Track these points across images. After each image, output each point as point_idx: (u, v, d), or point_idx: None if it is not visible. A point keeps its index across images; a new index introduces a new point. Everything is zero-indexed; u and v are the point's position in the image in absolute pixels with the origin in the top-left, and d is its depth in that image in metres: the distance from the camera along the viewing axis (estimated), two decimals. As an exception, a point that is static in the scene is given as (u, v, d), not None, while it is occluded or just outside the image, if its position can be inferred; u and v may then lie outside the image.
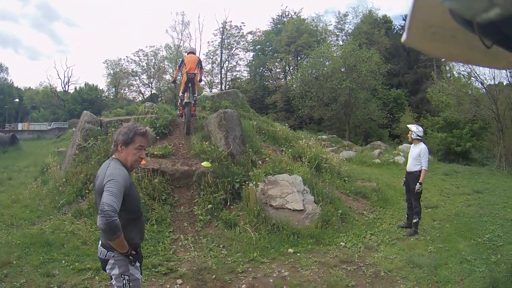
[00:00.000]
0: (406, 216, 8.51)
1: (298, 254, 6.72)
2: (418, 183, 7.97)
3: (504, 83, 25.09)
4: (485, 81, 24.72)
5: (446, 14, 0.80)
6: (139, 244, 3.47)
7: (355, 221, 8.59)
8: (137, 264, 3.35)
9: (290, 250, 6.83)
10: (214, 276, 5.76)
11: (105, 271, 3.32)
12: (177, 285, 5.53)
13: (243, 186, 8.35)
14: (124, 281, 3.21)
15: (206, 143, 9.49)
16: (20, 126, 54.74)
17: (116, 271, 3.21)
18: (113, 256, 3.20)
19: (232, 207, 8.16)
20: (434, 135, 27.67)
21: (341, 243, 7.36)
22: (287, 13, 56.68)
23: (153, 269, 5.85)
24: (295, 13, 55.94)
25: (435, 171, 16.21)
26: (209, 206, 7.95)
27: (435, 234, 7.99)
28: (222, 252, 6.71)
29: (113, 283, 3.28)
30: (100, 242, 3.36)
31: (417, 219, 8.08)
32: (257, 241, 6.98)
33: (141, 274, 3.49)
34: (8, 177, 14.97)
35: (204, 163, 8.69)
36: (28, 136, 41.30)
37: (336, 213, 8.36)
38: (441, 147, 27.56)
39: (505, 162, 22.15)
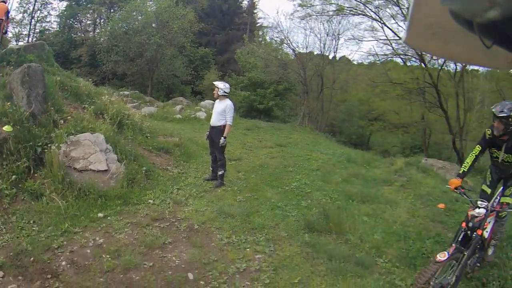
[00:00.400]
0: (211, 169, 9.13)
1: (109, 218, 6.66)
2: (222, 137, 8.55)
3: (315, 53, 28.04)
4: (297, 49, 27.66)
5: (446, 14, 0.81)
6: None
7: (160, 177, 8.84)
8: None
9: (100, 215, 6.72)
10: (32, 258, 5.34)
11: None
12: (0, 278, 4.94)
13: (46, 150, 7.81)
14: None
15: (8, 103, 8.49)
16: None
17: None
18: None
19: (36, 175, 7.54)
20: (237, 93, 29.01)
21: (150, 200, 7.51)
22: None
23: None
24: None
25: (237, 126, 17.02)
26: (13, 177, 7.19)
27: (242, 185, 8.75)
28: (34, 228, 6.23)
29: None
30: None
31: (223, 171, 8.74)
32: (66, 210, 6.68)
33: None
34: None
35: (6, 127, 7.84)
36: None
37: (140, 171, 8.46)
38: (244, 104, 29.13)
39: (307, 120, 25.27)
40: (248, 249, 5.72)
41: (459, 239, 4.70)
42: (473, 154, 5.36)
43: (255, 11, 49.17)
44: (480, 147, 5.38)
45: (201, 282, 5.03)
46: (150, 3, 35.87)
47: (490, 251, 5.58)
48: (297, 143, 15.36)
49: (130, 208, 7.17)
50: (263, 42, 30.61)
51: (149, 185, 8.26)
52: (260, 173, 9.84)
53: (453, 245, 4.62)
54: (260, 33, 33.76)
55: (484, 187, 5.79)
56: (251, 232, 6.25)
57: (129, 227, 6.43)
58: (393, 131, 32.97)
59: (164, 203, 7.45)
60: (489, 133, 5.27)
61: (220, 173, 8.75)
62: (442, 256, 4.32)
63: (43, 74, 9.70)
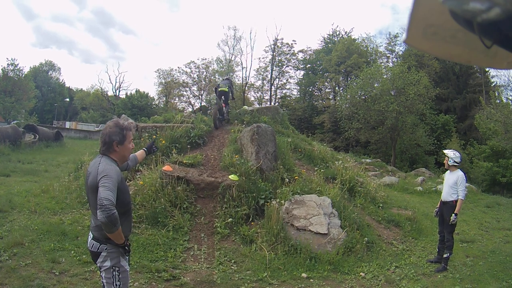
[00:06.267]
0: (437, 250, 7.97)
1: (311, 280, 6.33)
2: (453, 214, 7.45)
3: None
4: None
5: (446, 14, 0.81)
6: (128, 237, 3.60)
7: (382, 251, 8.08)
8: (127, 256, 3.55)
9: (304, 275, 6.45)
10: None
11: (96, 264, 3.47)
12: None
13: (268, 203, 8.09)
14: (114, 272, 3.38)
15: (236, 156, 9.39)
16: (68, 125, 57.05)
17: (108, 263, 3.36)
18: (105, 249, 3.37)
19: (253, 223, 7.94)
20: (480, 164, 26.12)
21: (361, 273, 6.88)
22: (337, 33, 56.68)
23: (156, 273, 5.90)
24: (345, 32, 55.90)
25: (477, 203, 15.35)
26: (230, 220, 7.82)
27: (466, 273, 7.36)
28: (232, 267, 6.50)
29: (102, 275, 3.43)
30: (91, 236, 3.49)
31: (448, 254, 7.53)
32: (271, 261, 6.70)
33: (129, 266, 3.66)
34: (45, 170, 15.61)
35: (232, 176, 8.63)
36: (75, 135, 42.39)
37: (362, 241, 7.87)
38: (486, 177, 25.84)
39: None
40: None
41: None
42: None
43: (486, 69, 45.16)
44: None
45: None
46: (384, 70, 36.13)
47: None
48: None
49: (338, 276, 6.69)
50: (500, 104, 27.35)
51: (367, 257, 7.63)
52: (489, 260, 8.22)
53: None
54: (496, 93, 30.37)
55: None
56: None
57: (327, 295, 5.97)
58: None
59: (375, 279, 6.75)
60: None
61: (445, 255, 7.56)
62: None
63: (273, 134, 10.32)
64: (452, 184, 7.65)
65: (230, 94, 13.60)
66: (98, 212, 3.04)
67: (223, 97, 13.22)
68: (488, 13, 0.72)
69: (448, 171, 7.96)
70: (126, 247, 3.42)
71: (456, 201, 7.55)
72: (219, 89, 13.43)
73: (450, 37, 0.87)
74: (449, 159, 7.80)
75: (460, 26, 0.81)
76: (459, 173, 7.69)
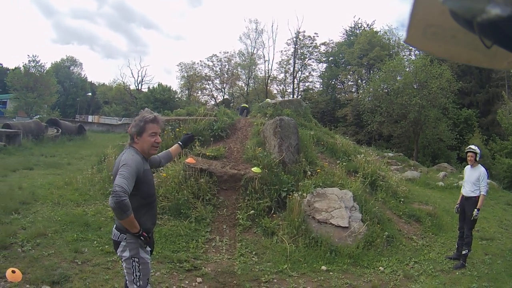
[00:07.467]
0: (456, 246, 7.93)
1: (331, 273, 6.39)
2: (476, 209, 7.43)
3: None
4: None
5: (446, 14, 0.81)
6: (151, 230, 3.67)
7: (402, 246, 8.06)
8: (148, 248, 3.56)
9: (324, 268, 6.50)
10: (235, 281, 5.69)
11: (117, 253, 3.52)
12: (196, 283, 5.57)
13: (290, 196, 8.15)
14: (134, 263, 3.41)
15: (259, 149, 9.45)
16: (90, 119, 57.66)
17: (126, 254, 3.40)
18: (125, 239, 3.41)
19: (275, 215, 8.04)
20: (502, 161, 25.43)
21: (380, 267, 6.90)
22: (359, 25, 55.68)
23: (177, 263, 5.99)
24: (367, 25, 54.91)
25: (498, 200, 15.11)
26: (252, 212, 7.92)
27: (483, 271, 7.30)
28: (253, 259, 6.58)
29: (123, 265, 3.49)
30: (114, 224, 3.59)
31: (467, 250, 7.48)
32: (291, 253, 6.76)
33: (150, 258, 3.67)
34: (68, 163, 15.75)
35: (254, 169, 8.69)
36: (98, 128, 42.46)
37: (382, 235, 7.85)
38: (508, 174, 24.96)
39: None
40: None
41: None
42: None
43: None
44: None
45: None
46: (407, 63, 35.56)
47: None
48: None
49: (357, 270, 6.71)
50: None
51: (387, 252, 7.62)
52: (508, 258, 8.11)
53: None
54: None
55: None
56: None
57: (345, 287, 6.06)
58: None
59: (393, 274, 6.75)
60: None
61: (464, 252, 7.50)
62: None
63: (296, 127, 10.31)
64: (475, 181, 7.60)
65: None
66: (110, 198, 3.08)
67: (245, 111, 19.80)
68: (488, 13, 0.72)
69: (469, 166, 7.90)
70: (142, 238, 3.39)
71: (479, 197, 7.52)
72: (242, 105, 21.84)
73: (450, 37, 0.88)
74: (477, 154, 7.76)
75: (460, 26, 0.82)
76: (481, 169, 7.64)
